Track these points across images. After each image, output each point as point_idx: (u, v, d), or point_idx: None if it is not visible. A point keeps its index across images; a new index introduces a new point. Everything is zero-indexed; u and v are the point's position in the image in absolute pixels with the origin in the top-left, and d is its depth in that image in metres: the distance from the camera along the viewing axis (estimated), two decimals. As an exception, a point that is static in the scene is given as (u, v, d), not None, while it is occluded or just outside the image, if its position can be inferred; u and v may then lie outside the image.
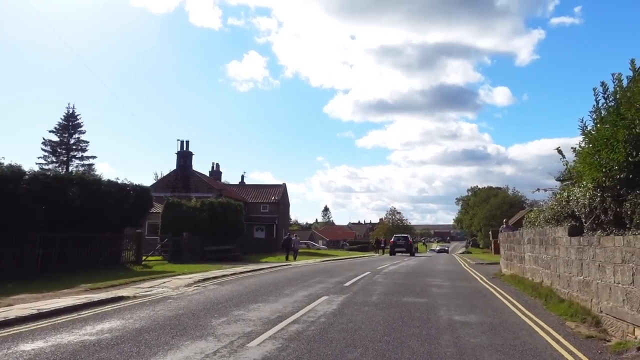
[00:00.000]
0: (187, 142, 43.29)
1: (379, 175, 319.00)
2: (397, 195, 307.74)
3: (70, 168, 53.39)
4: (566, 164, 9.40)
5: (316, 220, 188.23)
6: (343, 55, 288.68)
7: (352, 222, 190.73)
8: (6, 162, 15.38)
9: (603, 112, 7.39)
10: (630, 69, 7.11)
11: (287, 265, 23.90)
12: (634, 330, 6.94)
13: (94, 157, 60.07)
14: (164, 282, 14.05)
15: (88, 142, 57.30)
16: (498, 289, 13.29)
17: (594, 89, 7.31)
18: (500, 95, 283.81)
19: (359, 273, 18.00)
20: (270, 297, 11.24)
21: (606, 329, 7.83)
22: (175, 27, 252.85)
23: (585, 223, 9.13)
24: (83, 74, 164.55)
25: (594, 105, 7.45)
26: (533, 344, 7.04)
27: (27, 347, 6.43)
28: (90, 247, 18.58)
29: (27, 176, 15.77)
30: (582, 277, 9.13)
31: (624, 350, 6.65)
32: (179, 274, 16.82)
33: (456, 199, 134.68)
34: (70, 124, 56.07)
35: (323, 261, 30.18)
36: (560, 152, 9.63)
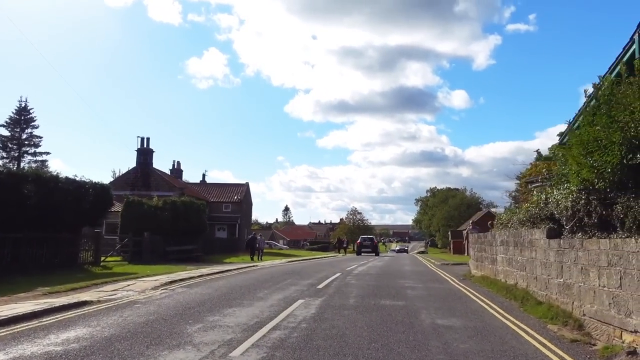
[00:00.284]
0: (148, 139, 42.01)
1: (339, 176, 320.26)
2: (357, 196, 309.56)
3: (22, 164, 51.04)
4: (546, 166, 9.35)
5: (276, 219, 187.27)
6: (305, 55, 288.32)
7: (312, 221, 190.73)
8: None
9: (590, 114, 7.34)
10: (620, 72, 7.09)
11: (254, 266, 23.39)
12: (621, 334, 6.91)
13: (48, 153, 57.77)
14: (128, 285, 13.37)
15: (41, 137, 55.15)
16: (472, 290, 13.27)
17: (585, 90, 7.30)
18: (458, 99, 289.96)
19: (329, 274, 17.72)
20: (244, 300, 10.80)
21: (590, 333, 7.81)
22: (134, 22, 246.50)
23: (566, 225, 9.12)
24: (36, 67, 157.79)
25: (582, 108, 7.41)
26: (522, 349, 6.92)
27: (-14, 360, 5.83)
28: (46, 248, 17.60)
29: (-23, 172, 14.75)
30: (562, 280, 9.13)
31: (612, 355, 6.59)
32: (142, 276, 16.11)
33: (415, 199, 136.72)
34: (22, 118, 53.66)
35: (289, 262, 29.77)
36: (540, 154, 9.61)
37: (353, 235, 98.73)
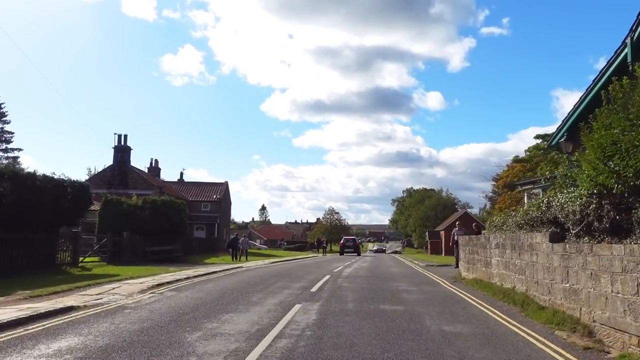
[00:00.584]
0: (126, 136, 41.09)
1: (315, 175, 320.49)
2: (332, 195, 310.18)
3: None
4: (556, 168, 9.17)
5: (252, 219, 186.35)
6: (281, 54, 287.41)
7: (289, 221, 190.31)
8: None
9: (605, 117, 7.18)
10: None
11: (238, 267, 22.89)
12: (638, 342, 6.75)
13: (20, 149, 55.88)
14: (114, 289, 12.81)
15: (13, 133, 53.34)
16: (467, 293, 13.10)
17: (602, 92, 7.10)
18: (433, 100, 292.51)
19: (319, 277, 17.39)
20: (239, 305, 10.39)
21: (602, 340, 7.65)
22: (107, 17, 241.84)
23: (573, 230, 8.97)
24: (8, 60, 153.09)
25: (597, 109, 7.25)
26: (537, 357, 6.72)
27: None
28: (22, 249, 16.85)
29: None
30: (568, 285, 8.98)
31: (631, 364, 6.45)
32: (125, 279, 15.53)
33: (392, 199, 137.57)
34: (-7, 113, 51.88)
35: (273, 263, 29.31)
36: (558, 150, 9.39)
37: (331, 235, 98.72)
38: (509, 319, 9.45)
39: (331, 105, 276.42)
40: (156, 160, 51.22)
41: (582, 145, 15.98)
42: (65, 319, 8.66)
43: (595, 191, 7.56)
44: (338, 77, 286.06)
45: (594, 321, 7.98)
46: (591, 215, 8.17)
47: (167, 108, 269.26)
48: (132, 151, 41.05)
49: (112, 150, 40.60)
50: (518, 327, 8.75)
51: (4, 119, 52.51)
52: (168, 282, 14.35)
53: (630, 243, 7.11)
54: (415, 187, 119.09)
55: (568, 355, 6.89)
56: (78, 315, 9.06)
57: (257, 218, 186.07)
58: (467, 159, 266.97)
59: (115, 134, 41.17)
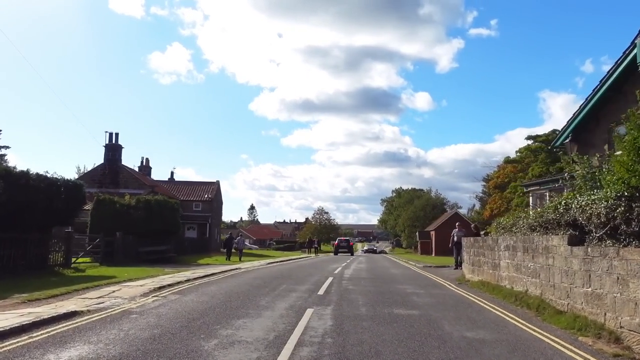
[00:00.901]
0: (117, 134, 40.39)
1: (304, 175, 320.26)
2: (321, 195, 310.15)
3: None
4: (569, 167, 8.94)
5: (241, 218, 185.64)
6: (270, 53, 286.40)
7: (277, 221, 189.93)
8: None
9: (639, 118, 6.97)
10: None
11: (237, 268, 22.48)
12: (673, 349, 6.55)
13: (7, 147, 54.70)
14: (114, 292, 12.38)
15: (0, 130, 52.23)
16: (476, 297, 12.87)
17: (637, 92, 6.89)
18: (422, 100, 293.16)
19: (322, 279, 17.09)
20: (249, 310, 10.04)
21: (630, 347, 7.43)
22: (95, 13, 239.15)
23: (596, 233, 8.76)
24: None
25: (630, 110, 7.04)
26: (572, 366, 6.48)
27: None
28: (14, 249, 16.33)
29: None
30: (590, 289, 8.76)
31: (669, 372, 6.23)
32: (123, 281, 15.10)
33: (381, 199, 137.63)
34: (-22, 110, 50.76)
35: (269, 263, 28.91)
36: (568, 156, 9.22)
37: (320, 235, 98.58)
38: (527, 324, 9.21)
39: (320, 105, 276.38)
40: (147, 159, 50.61)
41: (586, 145, 15.95)
42: (70, 325, 8.26)
43: (626, 193, 7.33)
44: (327, 76, 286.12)
45: (621, 327, 7.76)
46: (618, 219, 7.96)
47: (155, 106, 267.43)
48: (124, 149, 40.43)
49: (103, 148, 39.94)
50: (539, 332, 8.51)
51: (-10, 116, 51.46)
52: (169, 285, 13.94)
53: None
54: (404, 187, 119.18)
55: (602, 365, 6.66)
56: (83, 320, 8.65)
57: (245, 217, 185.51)
58: (455, 160, 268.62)
59: (106, 132, 40.50)
